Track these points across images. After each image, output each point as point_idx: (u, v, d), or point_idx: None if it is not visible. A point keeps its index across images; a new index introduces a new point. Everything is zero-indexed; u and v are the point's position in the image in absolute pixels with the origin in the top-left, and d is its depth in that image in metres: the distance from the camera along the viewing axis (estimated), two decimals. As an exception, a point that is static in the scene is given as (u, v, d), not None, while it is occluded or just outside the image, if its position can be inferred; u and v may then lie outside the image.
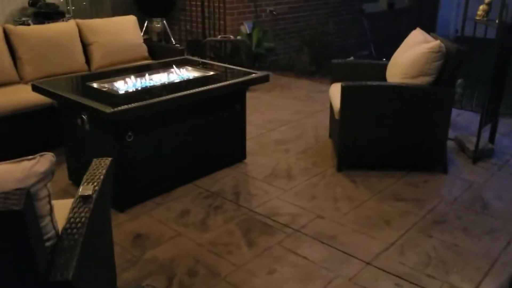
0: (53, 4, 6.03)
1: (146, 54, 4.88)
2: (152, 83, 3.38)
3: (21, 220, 1.28)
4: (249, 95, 5.54)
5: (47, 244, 1.53)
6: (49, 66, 4.17)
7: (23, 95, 3.71)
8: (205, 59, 5.02)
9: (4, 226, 1.29)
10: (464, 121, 4.61)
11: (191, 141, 3.31)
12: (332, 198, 3.22)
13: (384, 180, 3.45)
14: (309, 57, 6.72)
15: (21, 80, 4.09)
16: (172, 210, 3.06)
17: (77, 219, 1.66)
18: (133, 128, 2.91)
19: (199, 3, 6.76)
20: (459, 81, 5.11)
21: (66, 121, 3.22)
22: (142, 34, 6.66)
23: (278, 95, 5.60)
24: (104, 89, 3.20)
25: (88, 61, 4.52)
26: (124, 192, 3.00)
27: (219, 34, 6.36)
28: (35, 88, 3.22)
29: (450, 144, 3.89)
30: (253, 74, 3.58)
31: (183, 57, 4.31)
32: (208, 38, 6.04)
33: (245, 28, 6.78)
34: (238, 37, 5.89)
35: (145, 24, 7.02)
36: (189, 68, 3.77)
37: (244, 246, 2.69)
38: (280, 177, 3.52)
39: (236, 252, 2.63)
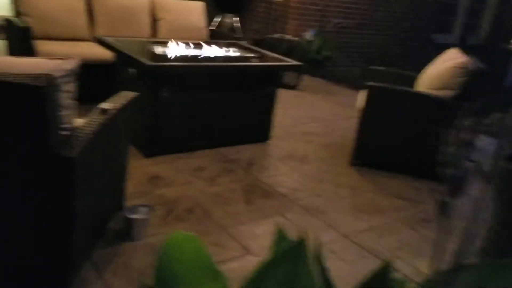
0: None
1: (206, 38, 5.34)
2: (196, 54, 3.79)
3: (42, 96, 1.69)
4: (295, 93, 5.93)
5: (63, 132, 1.93)
6: (118, 31, 4.71)
7: (90, 50, 4.25)
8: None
9: (29, 99, 1.70)
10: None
11: (221, 111, 3.68)
12: (336, 184, 3.48)
13: (392, 180, 3.65)
14: (361, 70, 6.95)
15: (93, 38, 4.66)
16: (190, 164, 3.44)
17: (92, 122, 2.06)
18: (170, 85, 3.32)
19: (271, 6, 7.19)
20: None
21: (120, 74, 3.70)
22: (215, 27, 7.21)
23: (322, 98, 5.88)
24: (155, 51, 3.65)
25: (154, 34, 5.04)
26: (152, 140, 3.42)
27: (285, 36, 6.74)
28: (99, 41, 3.73)
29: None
30: (286, 62, 3.91)
31: (234, 41, 4.72)
32: (267, 35, 6.43)
33: (309, 34, 7.14)
34: (294, 38, 6.23)
35: (219, 18, 7.55)
36: (236, 49, 4.16)
37: (241, 202, 3.02)
38: (295, 159, 3.82)
39: (233, 204, 2.96)
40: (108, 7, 4.73)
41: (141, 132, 3.42)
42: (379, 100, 3.61)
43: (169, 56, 3.57)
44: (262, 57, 4.03)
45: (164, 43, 3.93)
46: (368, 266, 2.49)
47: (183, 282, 0.85)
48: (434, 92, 3.60)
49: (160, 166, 3.35)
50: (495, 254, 2.08)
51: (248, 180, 3.33)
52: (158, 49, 3.69)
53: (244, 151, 3.81)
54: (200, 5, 5.38)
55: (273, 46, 6.20)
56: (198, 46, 4.02)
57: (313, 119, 4.95)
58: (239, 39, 6.66)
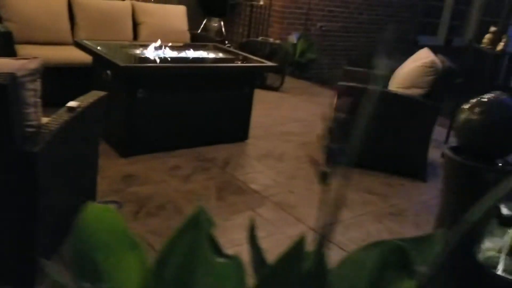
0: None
1: (188, 41, 5.44)
2: (173, 55, 3.89)
3: (5, 94, 1.77)
4: (278, 94, 6.03)
5: (29, 129, 2.02)
6: (100, 35, 4.80)
7: (71, 54, 4.33)
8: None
9: (-8, 96, 1.79)
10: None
11: (198, 112, 3.77)
12: (310, 181, 3.57)
13: (365, 177, 3.74)
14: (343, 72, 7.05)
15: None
16: (166, 164, 3.52)
17: (58, 120, 2.14)
18: (145, 86, 3.41)
19: (254, 9, 7.29)
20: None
21: (97, 76, 3.79)
22: (200, 30, 7.31)
23: (305, 99, 5.98)
24: (131, 53, 3.74)
25: (136, 37, 5.14)
26: (128, 140, 3.50)
27: (268, 39, 6.84)
28: (77, 44, 3.83)
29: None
30: (261, 64, 4.01)
31: (213, 43, 4.81)
32: (250, 38, 6.53)
33: (293, 38, 7.25)
34: (276, 41, 6.34)
35: (204, 22, 7.66)
36: (214, 51, 4.26)
37: (213, 199, 3.10)
38: (271, 158, 3.91)
39: (205, 201, 3.05)
40: (89, 12, 4.82)
41: (117, 132, 3.51)
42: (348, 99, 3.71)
43: (144, 58, 3.66)
44: (239, 59, 4.13)
45: (143, 46, 4.03)
46: (333, 259, 2.58)
47: (101, 252, 0.93)
48: (403, 91, 3.70)
49: (136, 165, 3.44)
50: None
51: (222, 178, 3.42)
52: (135, 51, 3.78)
53: (221, 150, 3.90)
54: (182, 9, 5.48)
55: (256, 48, 6.30)
56: (177, 48, 4.11)
57: (294, 119, 5.05)
58: (222, 42, 6.76)
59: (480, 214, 0.80)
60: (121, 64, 3.20)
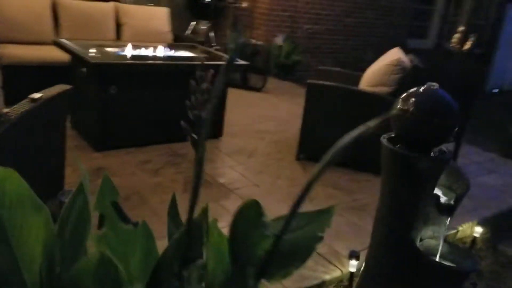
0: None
1: (170, 41, 5.55)
2: (146, 54, 3.99)
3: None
4: (260, 95, 6.14)
5: (-12, 118, 2.12)
6: (83, 35, 4.91)
7: (52, 53, 4.44)
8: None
9: None
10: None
11: (170, 108, 3.85)
12: (276, 176, 3.67)
13: (334, 173, 3.84)
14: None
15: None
16: (137, 158, 3.62)
17: (19, 109, 2.25)
18: (117, 83, 3.52)
19: (239, 12, 7.40)
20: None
21: (73, 74, 3.90)
22: (190, 32, 7.43)
23: (286, 99, 6.07)
24: (106, 51, 3.85)
25: (119, 38, 5.25)
26: (101, 135, 3.61)
27: (250, 40, 6.96)
28: (55, 43, 3.94)
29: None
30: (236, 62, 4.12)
31: (191, 43, 4.92)
32: (234, 40, 6.65)
33: (279, 39, 7.37)
34: (259, 43, 6.45)
35: (193, 25, 7.79)
36: (188, 50, 4.37)
37: (179, 191, 3.20)
38: (242, 154, 4.01)
39: (171, 193, 3.13)
40: (73, 13, 4.94)
41: (91, 127, 3.62)
42: (317, 97, 3.82)
43: (117, 56, 3.77)
44: (212, 58, 4.23)
45: (121, 46, 4.13)
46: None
47: (6, 216, 1.03)
48: (370, 89, 3.80)
49: (108, 159, 3.54)
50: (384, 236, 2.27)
51: (191, 172, 3.50)
52: (110, 50, 3.89)
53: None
54: (164, 11, 5.60)
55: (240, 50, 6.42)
56: (152, 48, 4.22)
57: (271, 118, 5.15)
58: (210, 44, 6.89)
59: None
60: (92, 61, 3.30)
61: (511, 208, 3.67)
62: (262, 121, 5.00)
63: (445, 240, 2.23)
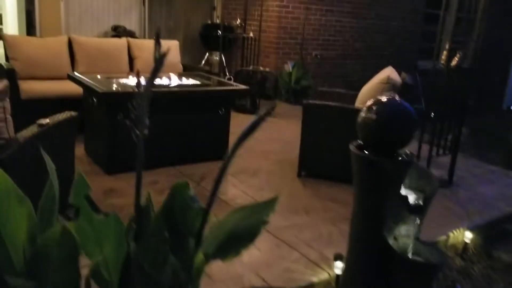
0: (130, 31, 7.36)
1: (181, 71, 5.87)
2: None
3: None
4: (269, 119, 6.34)
5: (0, 141, 2.40)
6: (98, 69, 5.27)
7: (68, 86, 4.79)
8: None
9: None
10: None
11: (177, 133, 4.14)
12: (277, 191, 3.84)
13: (333, 188, 4.00)
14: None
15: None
16: (146, 179, 3.81)
17: (27, 133, 2.53)
18: (125, 110, 3.79)
19: (247, 41, 7.71)
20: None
21: (86, 104, 4.21)
22: (203, 64, 7.78)
23: (293, 122, 6.26)
24: (115, 82, 4.16)
25: (132, 70, 5.60)
26: (111, 159, 3.88)
27: (258, 68, 7.25)
28: (69, 77, 4.28)
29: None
30: (234, 88, 4.40)
31: (198, 72, 5.22)
32: (242, 68, 6.95)
33: (288, 66, 7.65)
34: (267, 70, 6.73)
35: (206, 56, 8.17)
36: (195, 78, 4.65)
37: (182, 207, 3.42)
38: (246, 173, 4.22)
39: (173, 209, 3.36)
40: (88, 49, 5.32)
41: (102, 152, 3.89)
42: (314, 116, 4.02)
43: (125, 85, 4.07)
44: (217, 85, 4.51)
45: (131, 77, 4.46)
46: (279, 253, 2.87)
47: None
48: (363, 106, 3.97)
49: (118, 181, 3.80)
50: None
51: (195, 191, 3.73)
52: (120, 81, 4.20)
53: (200, 168, 4.23)
54: (175, 44, 5.95)
55: (249, 76, 6.71)
56: (161, 77, 4.53)
57: (277, 140, 5.36)
58: (223, 73, 7.22)
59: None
60: (100, 90, 3.60)
61: (505, 216, 3.75)
62: (267, 143, 5.21)
63: (418, 239, 2.38)
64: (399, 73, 4.24)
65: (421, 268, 2.23)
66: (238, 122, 6.25)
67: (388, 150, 2.21)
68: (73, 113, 2.96)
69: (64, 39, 5.38)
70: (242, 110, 6.56)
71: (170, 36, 7.86)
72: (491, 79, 11.11)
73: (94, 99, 3.90)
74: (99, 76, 4.37)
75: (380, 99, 2.20)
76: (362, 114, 2.22)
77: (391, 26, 9.12)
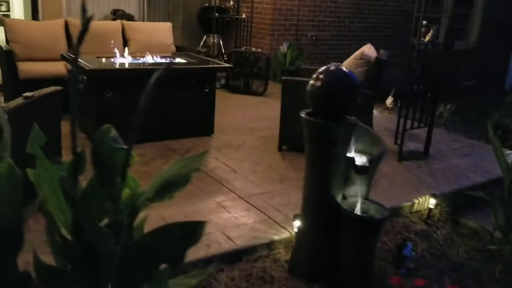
0: (129, 15, 7.56)
1: (173, 52, 6.09)
2: (142, 61, 4.51)
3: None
4: (261, 99, 6.57)
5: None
6: (94, 51, 5.50)
7: (63, 67, 5.04)
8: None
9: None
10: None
11: (164, 109, 4.36)
12: (256, 163, 4.07)
13: (311, 161, 4.21)
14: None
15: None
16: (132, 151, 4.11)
17: (12, 105, 2.77)
18: (112, 87, 4.04)
19: (240, 23, 7.85)
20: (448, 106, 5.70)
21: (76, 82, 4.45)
22: (200, 47, 7.97)
23: (285, 102, 6.48)
24: (105, 61, 4.39)
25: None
26: (101, 134, 4.12)
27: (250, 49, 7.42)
28: (62, 57, 4.52)
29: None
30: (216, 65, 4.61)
31: (186, 52, 5.43)
32: (234, 49, 7.13)
33: (283, 48, 7.81)
34: (259, 50, 6.91)
35: (204, 39, 8.36)
36: (183, 57, 4.87)
37: (164, 177, 3.66)
38: (230, 148, 4.44)
39: (152, 178, 3.60)
40: (84, 31, 5.55)
41: (92, 125, 4.14)
42: (292, 92, 4.21)
43: (113, 64, 4.30)
44: (199, 63, 4.72)
45: (121, 56, 4.68)
46: (248, 216, 3.09)
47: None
48: (340, 82, 4.16)
49: (106, 154, 4.04)
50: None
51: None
52: (109, 60, 4.43)
53: (186, 143, 4.47)
54: (167, 25, 6.16)
55: (242, 57, 6.89)
56: (150, 57, 4.75)
57: (265, 118, 5.56)
58: (222, 54, 7.42)
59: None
60: (87, 67, 3.84)
61: (474, 185, 3.93)
62: (255, 121, 5.42)
63: (367, 199, 2.59)
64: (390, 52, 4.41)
65: (364, 222, 2.44)
66: (231, 102, 6.54)
67: (333, 115, 2.41)
68: (57, 88, 3.20)
69: (61, 22, 5.61)
70: (236, 90, 6.77)
71: (169, 20, 8.06)
72: (495, 59, 11.16)
73: (84, 77, 4.14)
74: (91, 56, 4.60)
75: (327, 69, 2.39)
76: (311, 82, 2.42)
77: (387, 7, 9.20)
